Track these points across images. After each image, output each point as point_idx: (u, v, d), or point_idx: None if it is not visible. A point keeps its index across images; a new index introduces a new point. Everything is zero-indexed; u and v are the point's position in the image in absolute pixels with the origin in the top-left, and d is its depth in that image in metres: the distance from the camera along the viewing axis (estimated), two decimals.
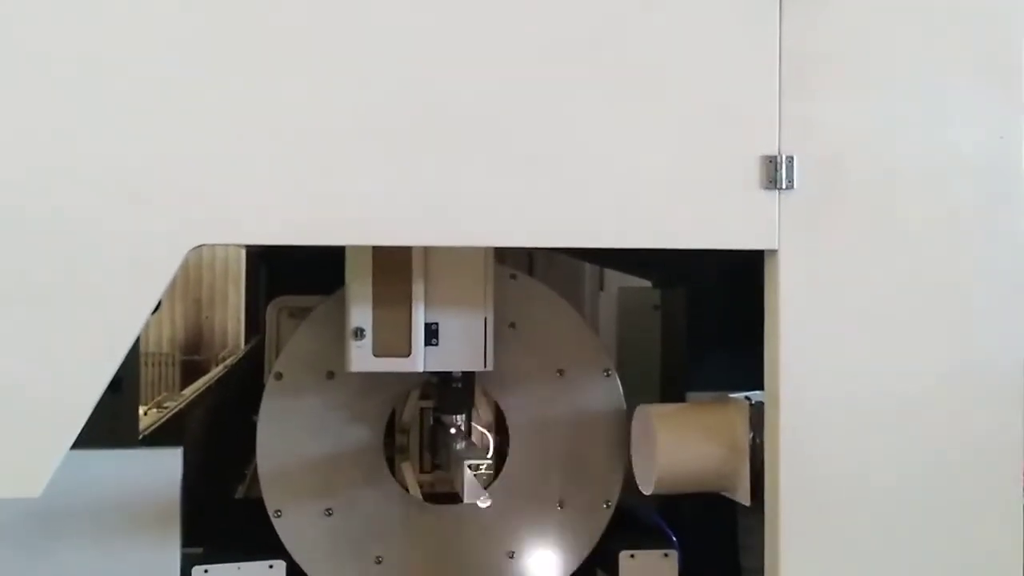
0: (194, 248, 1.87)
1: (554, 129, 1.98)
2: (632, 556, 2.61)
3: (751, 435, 2.30)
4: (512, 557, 2.61)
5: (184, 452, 2.34)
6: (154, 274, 1.86)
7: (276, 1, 1.91)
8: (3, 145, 1.83)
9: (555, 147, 1.98)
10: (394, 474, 2.61)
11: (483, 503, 2.27)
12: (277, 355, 2.68)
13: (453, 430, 2.55)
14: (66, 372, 1.84)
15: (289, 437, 2.53)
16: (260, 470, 2.53)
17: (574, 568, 2.63)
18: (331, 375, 2.55)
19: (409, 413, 2.67)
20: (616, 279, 3.50)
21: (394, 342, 2.36)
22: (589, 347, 2.68)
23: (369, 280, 2.35)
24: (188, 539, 2.35)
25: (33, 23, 1.84)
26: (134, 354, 2.14)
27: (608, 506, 2.64)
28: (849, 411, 2.07)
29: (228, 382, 4.47)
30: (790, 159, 2.03)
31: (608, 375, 2.67)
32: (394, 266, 2.35)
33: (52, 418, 1.83)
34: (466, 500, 2.31)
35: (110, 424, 2.27)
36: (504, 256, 2.67)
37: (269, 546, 2.50)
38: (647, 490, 2.42)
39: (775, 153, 2.03)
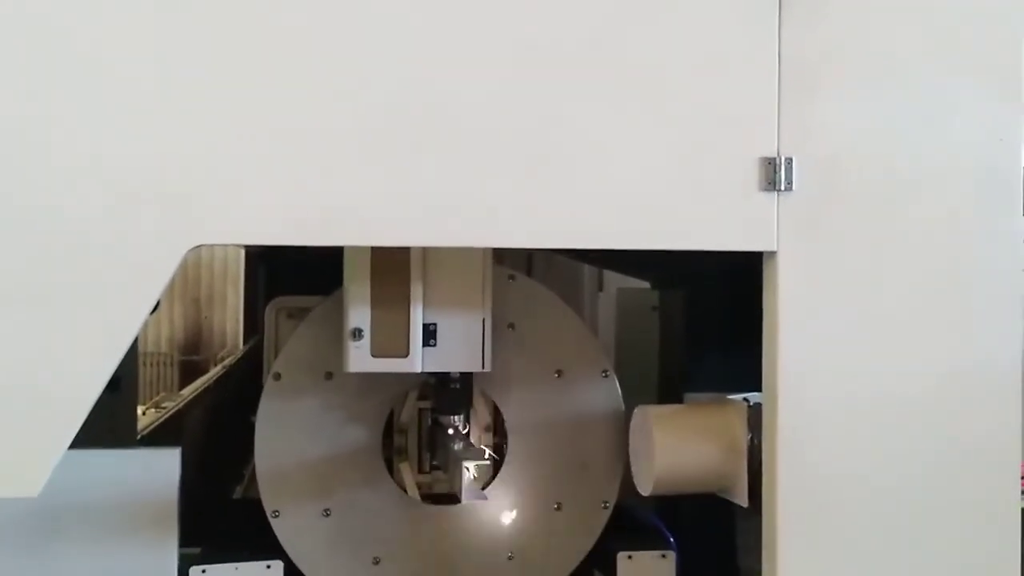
0: (193, 248, 1.87)
1: (553, 130, 1.97)
2: (630, 557, 2.61)
3: (749, 436, 2.30)
4: (510, 558, 2.61)
5: (182, 452, 2.34)
6: (153, 274, 1.86)
7: (276, 2, 1.91)
8: (2, 145, 1.83)
9: (554, 148, 1.98)
10: (392, 475, 2.61)
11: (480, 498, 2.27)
12: (276, 355, 2.68)
13: (451, 431, 2.55)
14: (65, 371, 1.83)
15: (287, 437, 2.53)
16: (258, 470, 2.53)
17: (572, 569, 2.63)
18: (329, 376, 2.55)
19: (407, 414, 2.67)
20: (615, 280, 3.51)
21: (392, 343, 2.36)
22: (587, 348, 2.68)
23: (367, 281, 2.35)
24: (186, 539, 2.35)
25: (33, 23, 1.84)
26: (132, 354, 2.13)
27: (606, 507, 2.64)
28: (847, 412, 2.07)
29: (226, 382, 4.47)
30: (789, 161, 2.03)
31: (606, 376, 2.67)
32: (392, 267, 2.35)
33: (50, 417, 1.83)
34: (464, 501, 2.31)
35: (108, 424, 2.27)
36: (503, 257, 2.67)
37: (267, 546, 2.50)
38: (645, 491, 2.42)
39: (774, 155, 2.03)
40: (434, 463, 2.67)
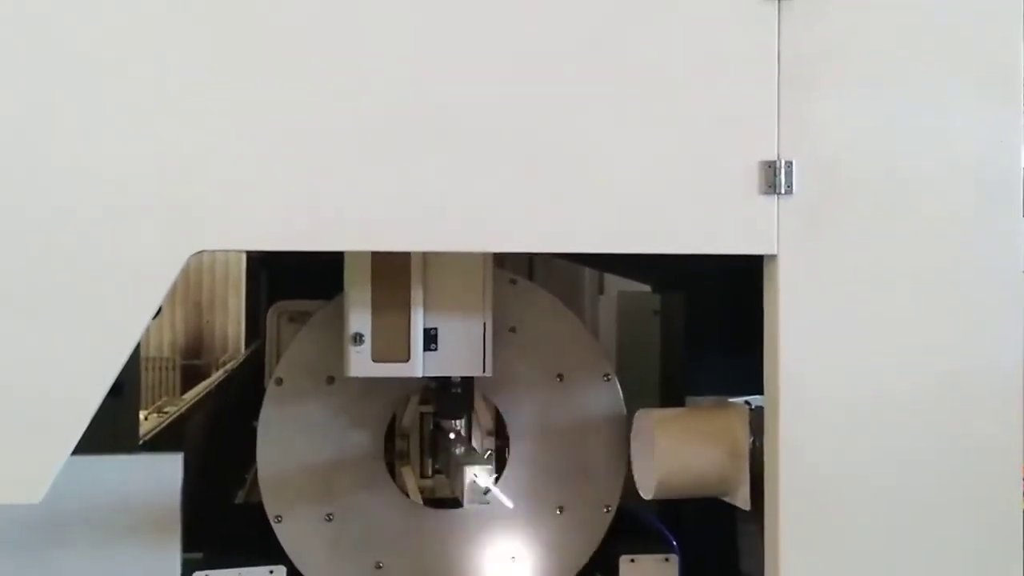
0: (195, 254, 1.88)
1: (553, 134, 1.98)
2: (632, 560, 2.60)
3: (751, 439, 2.30)
4: (512, 561, 2.60)
5: (184, 457, 2.34)
6: (155, 279, 1.87)
7: (277, 5, 1.92)
8: (3, 150, 1.83)
9: (554, 152, 1.98)
10: (394, 479, 2.61)
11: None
12: (277, 360, 2.68)
13: (453, 435, 2.55)
14: (67, 377, 1.84)
15: (289, 442, 2.54)
16: (260, 475, 2.53)
17: (574, 572, 2.63)
18: (331, 380, 2.55)
19: (409, 418, 2.67)
20: (616, 283, 3.51)
21: (393, 347, 2.36)
22: (589, 351, 2.68)
23: (368, 285, 2.35)
24: (188, 544, 2.35)
25: (34, 26, 1.84)
26: (135, 359, 2.14)
27: (608, 510, 2.64)
28: (849, 415, 2.07)
29: (228, 387, 4.48)
30: (789, 164, 2.03)
31: (608, 379, 2.67)
32: (393, 271, 2.35)
33: (53, 423, 1.83)
34: (466, 505, 2.31)
35: (111, 429, 2.27)
36: (504, 261, 2.67)
37: (269, 551, 2.50)
38: (647, 495, 2.42)
39: (774, 158, 2.03)
40: (436, 467, 2.67)
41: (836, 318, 2.07)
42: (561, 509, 2.63)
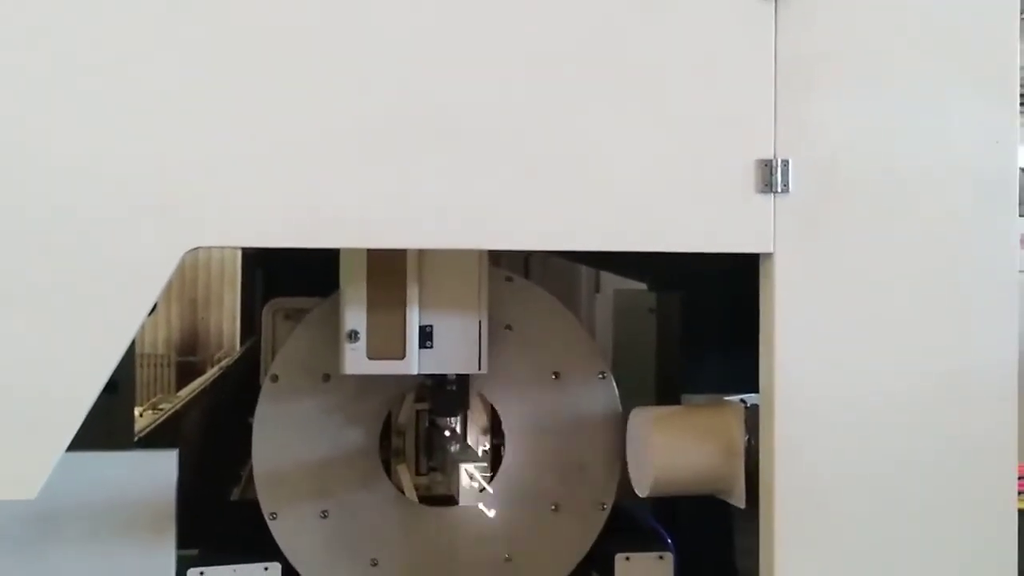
0: (190, 250, 1.87)
1: (550, 132, 1.98)
2: (628, 558, 2.61)
3: (746, 437, 2.30)
4: (507, 559, 2.61)
5: (180, 454, 2.34)
6: (151, 276, 1.87)
7: (276, 3, 1.92)
8: (1, 147, 1.83)
9: (551, 150, 1.98)
10: (390, 476, 2.61)
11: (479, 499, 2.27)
12: (273, 357, 2.68)
13: (448, 432, 2.55)
14: (62, 373, 1.84)
15: (285, 439, 2.53)
16: (256, 472, 2.53)
17: (569, 570, 2.63)
18: (327, 377, 2.55)
19: (404, 416, 2.67)
20: (612, 281, 3.51)
21: (388, 345, 2.36)
22: (585, 350, 2.68)
23: (363, 283, 2.35)
24: (183, 541, 2.35)
25: (33, 24, 1.84)
26: (130, 355, 2.14)
27: (604, 508, 2.64)
28: (844, 413, 2.07)
29: (224, 384, 4.48)
30: (785, 163, 2.03)
31: (603, 377, 2.67)
32: (388, 269, 2.35)
33: (48, 420, 1.83)
34: (462, 503, 2.30)
35: (106, 426, 2.27)
36: (500, 258, 2.67)
37: (265, 548, 2.50)
38: (643, 493, 2.42)
39: (771, 157, 2.03)
40: (432, 465, 2.67)
41: (832, 317, 2.07)
42: (556, 507, 2.63)
